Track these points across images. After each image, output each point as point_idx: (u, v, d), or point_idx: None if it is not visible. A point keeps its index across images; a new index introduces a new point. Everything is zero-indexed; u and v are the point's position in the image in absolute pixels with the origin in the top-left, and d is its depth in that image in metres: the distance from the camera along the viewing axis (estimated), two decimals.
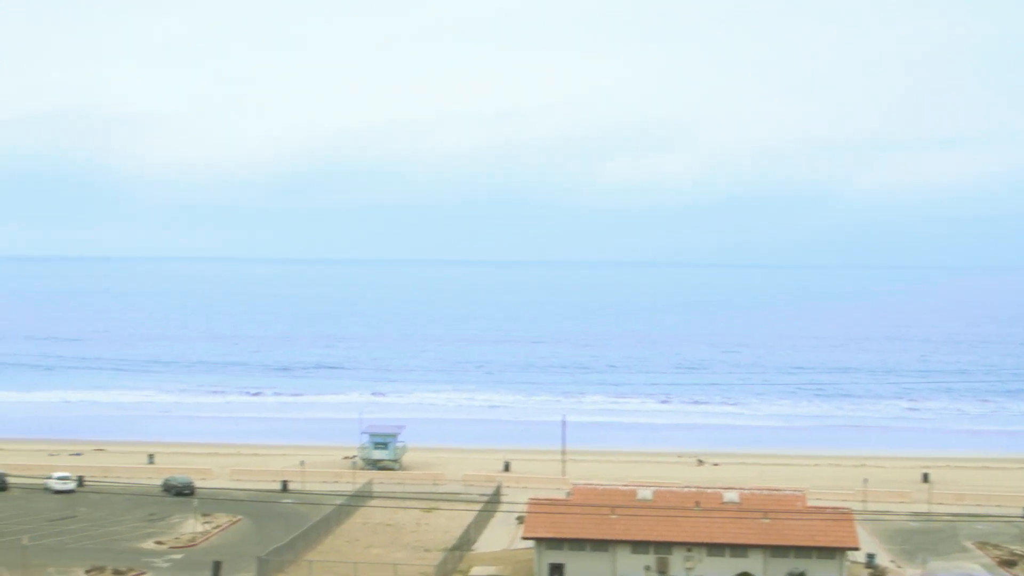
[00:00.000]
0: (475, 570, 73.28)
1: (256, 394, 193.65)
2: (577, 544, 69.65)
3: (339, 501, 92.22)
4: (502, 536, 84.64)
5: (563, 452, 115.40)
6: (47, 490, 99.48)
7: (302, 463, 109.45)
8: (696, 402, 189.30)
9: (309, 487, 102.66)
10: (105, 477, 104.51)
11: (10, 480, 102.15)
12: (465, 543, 79.53)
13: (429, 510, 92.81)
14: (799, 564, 67.78)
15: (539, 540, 69.96)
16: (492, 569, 73.48)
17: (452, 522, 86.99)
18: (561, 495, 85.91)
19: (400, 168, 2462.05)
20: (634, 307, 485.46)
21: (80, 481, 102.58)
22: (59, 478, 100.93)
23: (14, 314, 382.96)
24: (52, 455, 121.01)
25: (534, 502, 74.92)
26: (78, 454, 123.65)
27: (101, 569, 72.00)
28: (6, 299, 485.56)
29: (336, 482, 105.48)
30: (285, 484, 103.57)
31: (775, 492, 75.48)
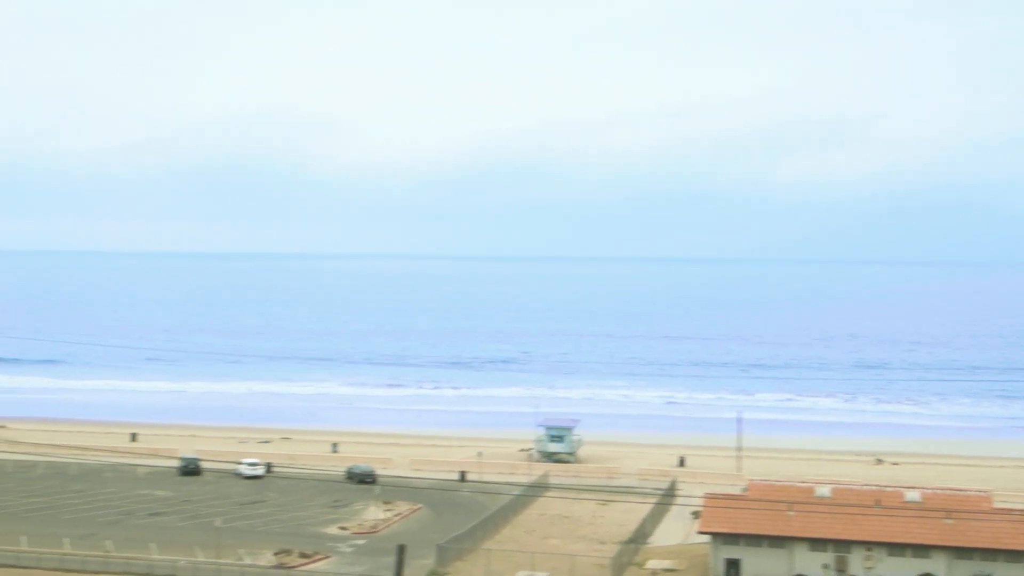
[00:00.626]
0: (651, 563, 73.48)
1: (434, 387, 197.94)
2: (754, 540, 69.07)
3: (516, 492, 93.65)
4: (677, 530, 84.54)
5: (738, 448, 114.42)
6: (237, 475, 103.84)
7: (479, 454, 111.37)
8: (875, 400, 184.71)
9: (486, 478, 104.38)
10: (291, 464, 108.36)
11: (204, 465, 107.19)
12: (640, 536, 79.81)
13: (604, 503, 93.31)
14: (985, 567, 65.65)
15: (715, 535, 69.72)
16: (668, 563, 73.56)
17: (627, 516, 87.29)
18: (736, 491, 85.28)
19: (573, 166, 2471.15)
20: (804, 304, 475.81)
21: (268, 467, 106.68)
22: (249, 464, 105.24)
23: (212, 308, 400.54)
24: (242, 442, 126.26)
25: (710, 497, 74.59)
26: (266, 441, 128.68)
27: (288, 552, 74.60)
28: (210, 295, 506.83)
29: (512, 474, 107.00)
30: (463, 474, 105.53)
31: (959, 492, 73.32)
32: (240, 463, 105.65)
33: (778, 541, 68.66)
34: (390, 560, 69.95)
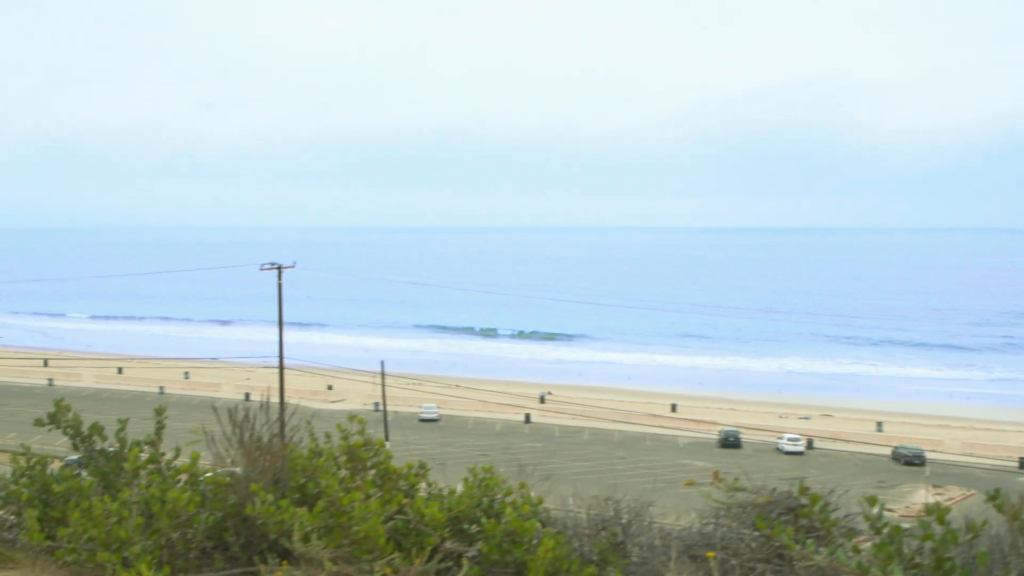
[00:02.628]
0: None
1: (985, 371, 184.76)
2: None
3: None
4: None
5: None
6: (778, 450, 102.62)
7: None
8: None
9: None
10: (833, 441, 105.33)
11: (744, 438, 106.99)
12: None
13: None
14: None
15: None
16: None
17: None
18: None
19: None
20: None
21: (809, 444, 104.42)
22: (789, 439, 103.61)
23: (742, 284, 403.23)
24: (781, 417, 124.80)
25: None
26: (806, 418, 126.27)
27: None
28: (740, 270, 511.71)
29: None
30: (1023, 461, 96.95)
31: None
32: (780, 438, 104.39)
33: None
34: None
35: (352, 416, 9.03)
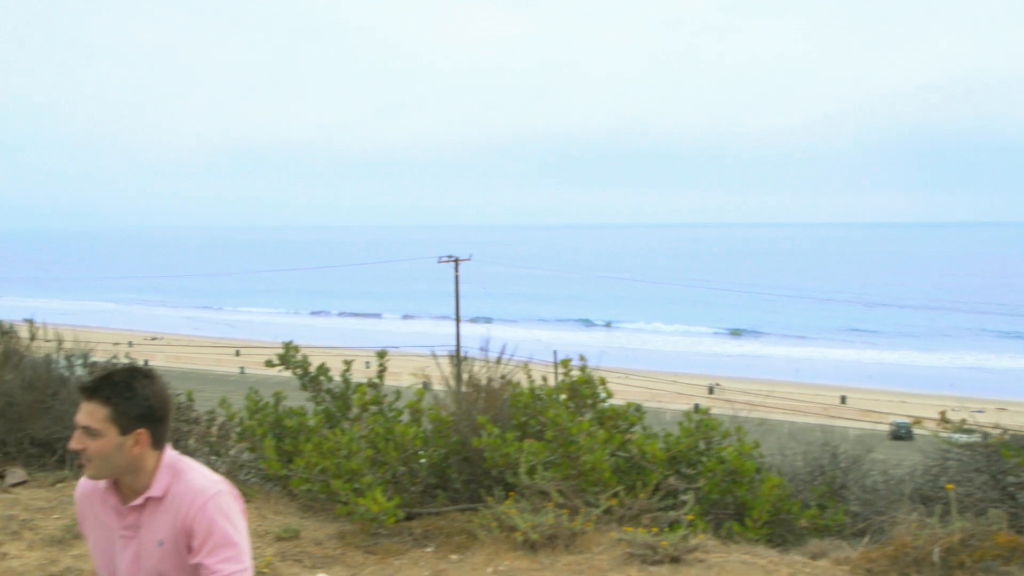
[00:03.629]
0: None
1: None
2: None
3: None
4: None
5: None
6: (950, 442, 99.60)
7: None
8: None
9: None
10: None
11: (916, 431, 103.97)
12: None
13: None
14: None
15: None
16: None
17: None
18: None
19: None
20: None
21: (985, 436, 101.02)
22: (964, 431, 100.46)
23: (907, 279, 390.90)
24: (954, 410, 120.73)
25: None
26: (980, 411, 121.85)
27: None
28: (902, 265, 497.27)
29: None
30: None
31: None
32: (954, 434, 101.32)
33: None
34: None
35: (566, 360, 9.13)
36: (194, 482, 4.33)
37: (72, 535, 7.72)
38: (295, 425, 9.31)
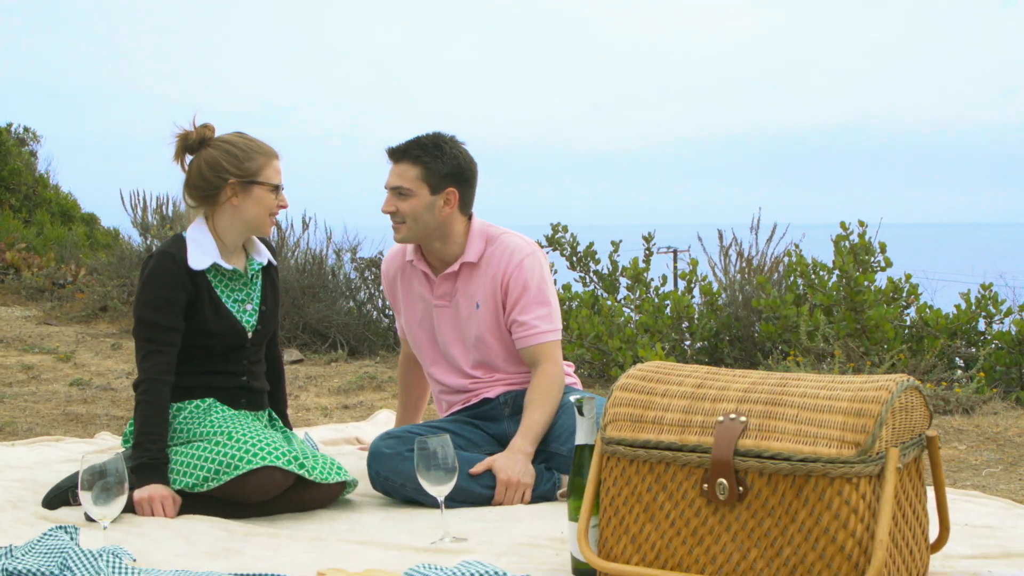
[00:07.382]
0: None
1: None
2: None
3: None
4: None
5: None
6: None
7: None
8: None
9: None
10: None
11: None
12: None
13: None
14: None
15: None
16: None
17: None
18: None
19: None
20: None
21: None
22: None
23: None
24: None
25: None
26: None
27: None
28: None
29: None
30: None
31: None
32: None
33: None
34: None
35: (843, 223, 8.96)
36: (509, 243, 4.39)
37: (357, 386, 8.04)
38: (563, 296, 9.43)
